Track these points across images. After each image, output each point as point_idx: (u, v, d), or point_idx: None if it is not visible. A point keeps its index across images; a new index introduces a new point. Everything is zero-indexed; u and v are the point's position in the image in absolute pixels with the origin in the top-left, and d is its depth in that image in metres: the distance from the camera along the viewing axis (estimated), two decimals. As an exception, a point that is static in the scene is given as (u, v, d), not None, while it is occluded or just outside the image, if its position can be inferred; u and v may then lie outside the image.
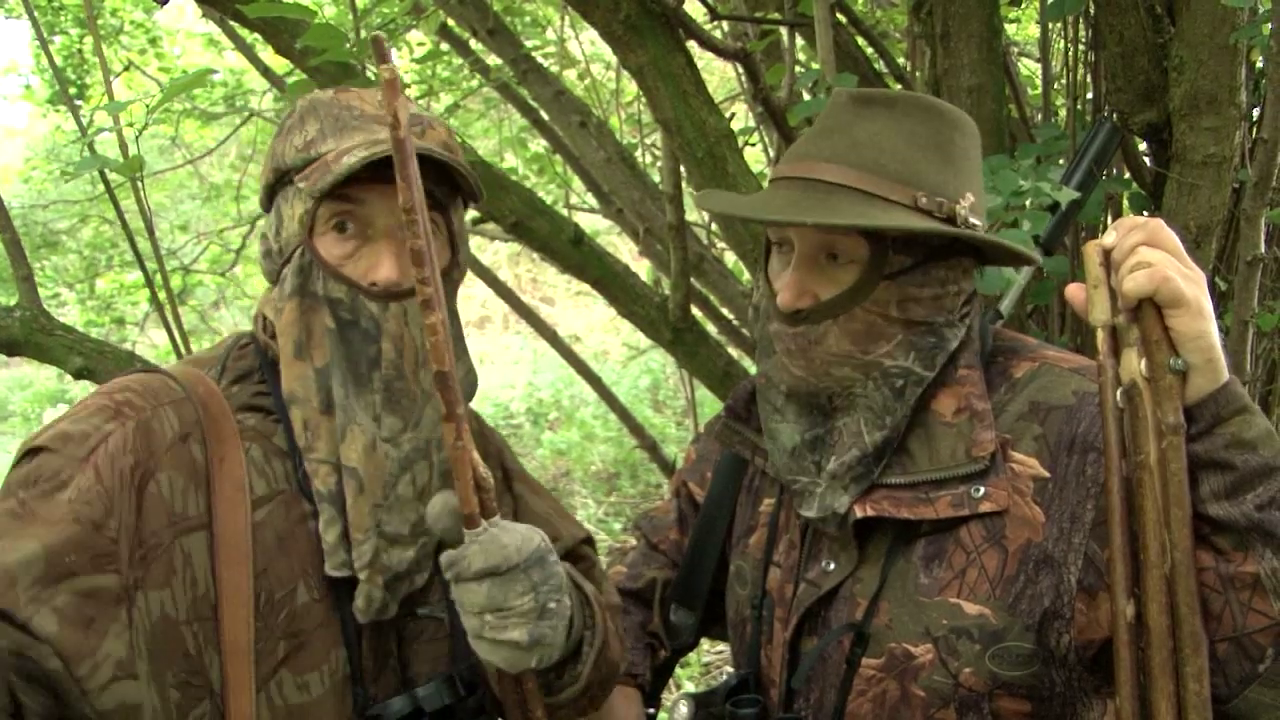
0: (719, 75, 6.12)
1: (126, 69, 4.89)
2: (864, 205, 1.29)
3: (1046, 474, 1.30)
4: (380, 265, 1.27)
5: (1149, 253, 1.11)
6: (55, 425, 1.22)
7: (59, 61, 5.64)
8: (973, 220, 1.32)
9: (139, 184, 2.03)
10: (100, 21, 5.56)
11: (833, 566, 1.40)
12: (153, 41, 6.19)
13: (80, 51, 5.60)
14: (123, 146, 2.07)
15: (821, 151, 1.34)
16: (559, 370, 8.94)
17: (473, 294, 10.86)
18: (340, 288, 1.26)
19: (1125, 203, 2.46)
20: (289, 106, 1.37)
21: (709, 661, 5.04)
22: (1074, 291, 1.19)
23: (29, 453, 1.20)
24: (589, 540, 1.56)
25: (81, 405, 1.26)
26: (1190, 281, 1.10)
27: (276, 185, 1.31)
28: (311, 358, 1.27)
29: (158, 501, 1.20)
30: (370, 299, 1.26)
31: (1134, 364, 1.13)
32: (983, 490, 1.31)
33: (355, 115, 1.29)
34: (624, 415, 4.06)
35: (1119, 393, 1.15)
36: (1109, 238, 1.16)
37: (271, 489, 1.27)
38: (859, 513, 1.34)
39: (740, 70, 3.12)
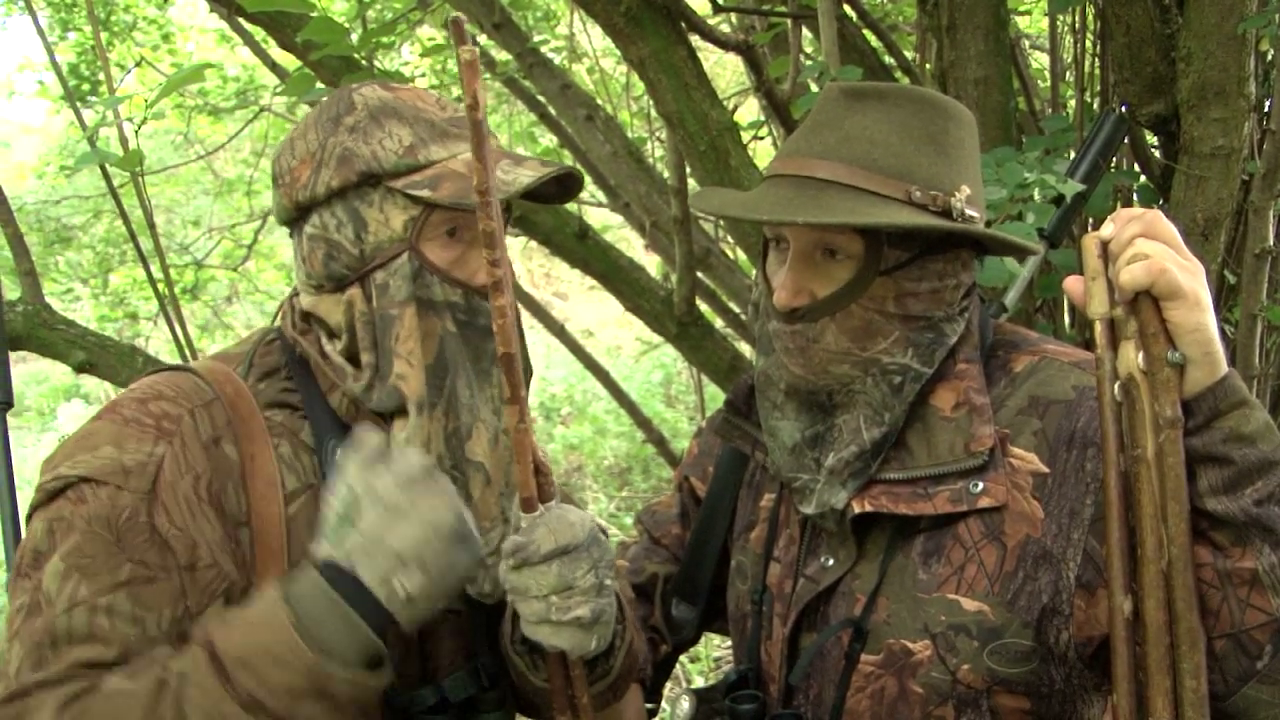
0: (732, 69, 6.12)
1: (139, 65, 4.91)
2: (856, 201, 1.27)
3: (1045, 469, 1.28)
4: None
5: (1146, 244, 1.09)
6: (96, 449, 1.21)
7: (74, 58, 5.68)
8: (969, 212, 1.30)
9: (139, 179, 2.03)
10: (114, 18, 5.59)
11: (831, 562, 1.39)
12: (165, 38, 6.21)
13: (94, 48, 5.62)
14: (123, 142, 2.07)
15: (813, 148, 1.32)
16: (571, 365, 8.93)
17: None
18: (457, 291, 1.30)
19: (1135, 196, 2.45)
20: (321, 98, 1.36)
21: (719, 657, 5.04)
22: (1072, 284, 1.18)
23: (80, 481, 1.19)
24: None
25: (116, 419, 1.25)
26: (1188, 273, 1.09)
27: (360, 186, 1.29)
28: (430, 359, 1.30)
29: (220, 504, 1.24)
30: (484, 298, 1.31)
31: (1131, 357, 1.12)
32: (981, 485, 1.29)
33: (448, 120, 1.32)
34: (632, 409, 4.06)
35: (1117, 386, 1.13)
36: (1107, 229, 1.14)
37: (301, 483, 1.29)
38: (857, 508, 1.34)
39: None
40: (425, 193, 1.26)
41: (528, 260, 10.49)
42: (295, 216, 1.33)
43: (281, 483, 1.27)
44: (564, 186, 1.35)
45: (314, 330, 1.34)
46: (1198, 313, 1.09)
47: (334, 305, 1.31)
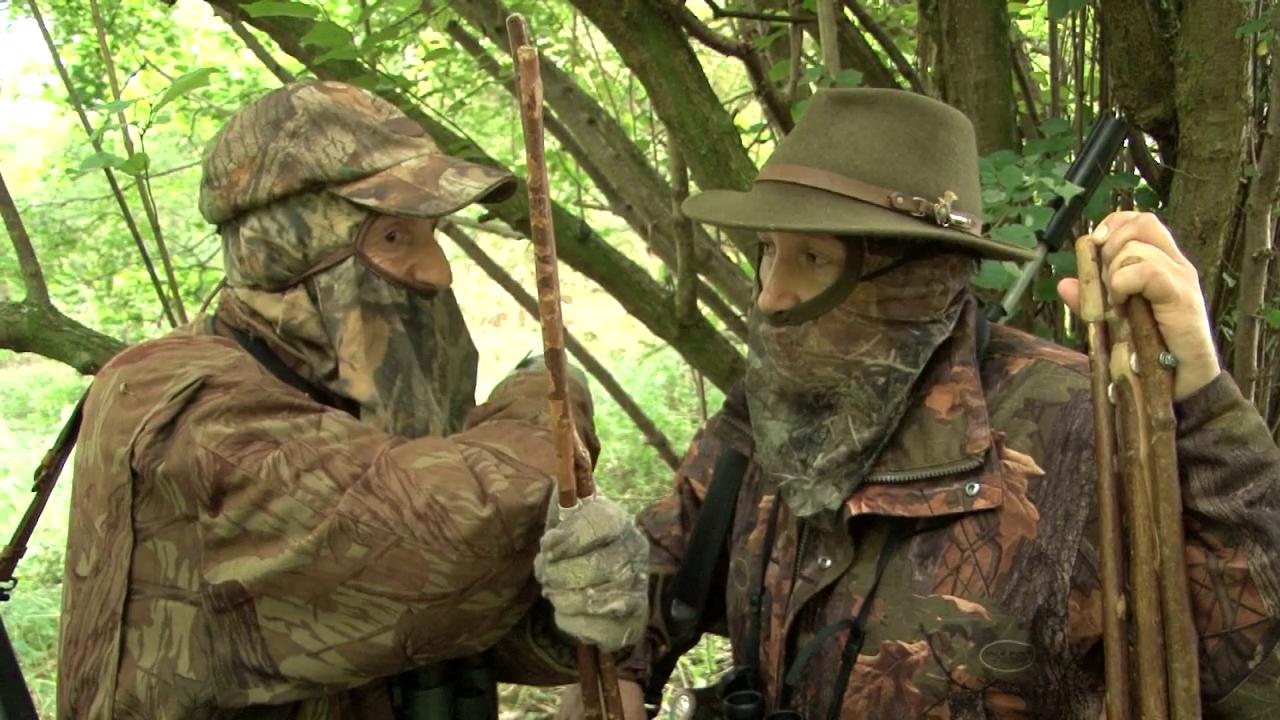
0: (734, 72, 6.13)
1: (144, 68, 4.93)
2: (835, 208, 1.27)
3: (1041, 471, 1.29)
4: (430, 268, 1.37)
5: (1139, 248, 1.10)
6: (184, 365, 1.26)
7: (78, 60, 5.70)
8: (955, 217, 1.29)
9: (145, 182, 2.04)
10: (118, 20, 5.61)
11: (829, 563, 1.40)
12: (170, 40, 6.24)
13: (99, 50, 5.63)
14: (129, 145, 2.08)
15: (798, 154, 1.33)
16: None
17: (488, 292, 10.91)
18: (401, 293, 1.34)
19: (1134, 199, 2.46)
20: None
21: (722, 659, 5.04)
22: (1066, 287, 1.18)
23: (203, 383, 1.24)
24: None
25: (175, 345, 1.32)
26: (1180, 276, 1.09)
27: (303, 193, 1.31)
28: (378, 362, 1.33)
29: None
30: (424, 298, 1.36)
31: (1124, 359, 1.12)
32: (977, 487, 1.30)
33: (388, 125, 1.36)
34: (633, 411, 4.07)
35: (1110, 388, 1.14)
36: (1100, 233, 1.15)
37: None
38: (854, 510, 1.34)
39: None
40: (372, 201, 1.29)
41: (530, 263, 10.50)
42: (230, 217, 1.34)
43: None
44: (502, 188, 1.39)
45: (259, 316, 1.37)
46: (1190, 315, 1.09)
47: (271, 302, 1.34)
